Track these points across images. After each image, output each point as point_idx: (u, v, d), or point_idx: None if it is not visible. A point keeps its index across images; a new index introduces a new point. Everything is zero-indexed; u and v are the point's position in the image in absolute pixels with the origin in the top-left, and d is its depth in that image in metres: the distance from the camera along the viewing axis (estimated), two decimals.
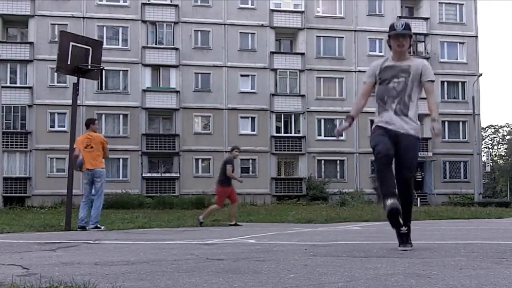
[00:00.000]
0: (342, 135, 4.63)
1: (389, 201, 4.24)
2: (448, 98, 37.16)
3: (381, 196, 4.38)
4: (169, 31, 34.52)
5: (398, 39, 4.52)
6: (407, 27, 4.56)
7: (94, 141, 9.52)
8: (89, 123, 9.82)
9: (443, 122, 36.91)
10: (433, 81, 4.59)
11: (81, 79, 9.49)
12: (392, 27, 4.57)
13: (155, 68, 34.13)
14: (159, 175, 33.71)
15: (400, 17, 36.90)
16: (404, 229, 4.46)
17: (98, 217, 9.15)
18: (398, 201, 4.27)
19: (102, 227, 9.16)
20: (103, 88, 33.37)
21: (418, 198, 31.18)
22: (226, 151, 33.71)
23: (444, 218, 12.88)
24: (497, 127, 72.75)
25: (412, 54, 36.22)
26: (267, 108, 34.75)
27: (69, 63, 9.13)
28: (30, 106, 32.64)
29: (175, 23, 34.42)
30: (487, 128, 71.38)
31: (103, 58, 9.84)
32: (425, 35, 37.04)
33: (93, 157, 9.58)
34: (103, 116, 33.33)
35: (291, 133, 35.12)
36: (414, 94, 4.56)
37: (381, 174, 4.37)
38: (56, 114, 32.72)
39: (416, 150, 4.59)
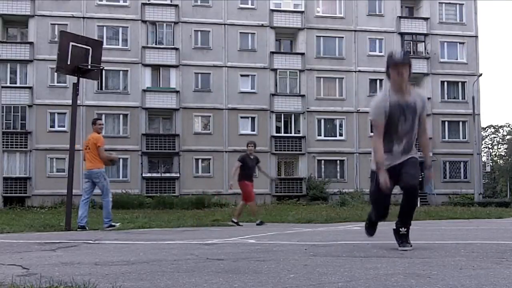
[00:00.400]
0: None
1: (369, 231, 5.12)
2: (448, 98, 37.16)
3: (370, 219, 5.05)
4: (169, 31, 34.52)
5: (397, 69, 4.43)
6: (406, 56, 4.52)
7: (90, 142, 9.59)
8: (92, 124, 9.92)
9: (443, 122, 36.94)
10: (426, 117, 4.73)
11: (81, 79, 9.48)
12: (390, 57, 4.48)
13: (155, 68, 34.12)
14: (159, 175, 33.71)
15: (400, 17, 36.97)
16: (403, 230, 4.51)
17: (109, 215, 9.37)
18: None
19: (117, 224, 9.39)
20: (103, 88, 33.37)
21: (418, 198, 31.15)
22: (226, 151, 33.77)
23: (444, 218, 12.88)
24: (497, 127, 72.77)
25: (413, 54, 35.92)
26: (267, 108, 34.75)
27: (69, 63, 9.13)
28: (30, 106, 32.64)
29: (175, 23, 34.41)
30: (487, 128, 71.39)
31: (103, 58, 9.84)
32: (425, 35, 37.05)
33: (90, 158, 9.65)
34: (103, 116, 33.23)
35: (291, 133, 35.11)
36: (416, 130, 4.65)
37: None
38: (56, 114, 32.71)
39: (418, 167, 4.63)
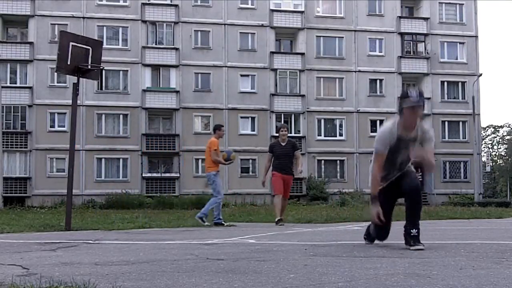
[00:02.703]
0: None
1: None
2: (448, 98, 37.17)
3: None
4: (169, 31, 34.52)
5: (413, 110, 4.40)
6: (422, 98, 4.45)
7: (206, 146, 10.57)
8: (215, 129, 10.79)
9: (443, 122, 36.94)
10: (433, 145, 4.72)
11: (81, 79, 9.48)
12: (406, 97, 4.41)
13: (155, 68, 34.12)
14: (159, 175, 33.71)
15: (400, 17, 36.94)
16: (414, 231, 4.49)
17: (205, 211, 10.24)
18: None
19: (205, 223, 10.00)
20: (103, 88, 33.37)
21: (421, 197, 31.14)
22: (226, 151, 33.72)
23: (444, 218, 12.87)
24: (496, 127, 72.75)
25: (413, 54, 35.83)
26: (267, 108, 34.75)
27: (69, 63, 9.12)
28: (30, 106, 32.63)
29: (175, 23, 34.42)
30: (487, 128, 71.38)
31: (103, 58, 9.83)
32: (425, 35, 37.04)
33: (206, 161, 10.59)
34: (103, 116, 33.35)
35: (291, 133, 35.09)
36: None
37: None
38: (56, 114, 32.71)
39: (415, 172, 4.78)
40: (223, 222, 10.27)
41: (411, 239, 4.48)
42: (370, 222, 4.97)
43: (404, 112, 4.43)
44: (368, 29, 36.37)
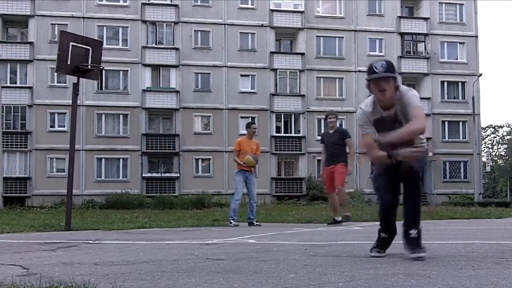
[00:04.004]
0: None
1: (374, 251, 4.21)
2: (448, 98, 37.17)
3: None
4: (169, 31, 34.53)
5: (378, 83, 3.81)
6: (389, 68, 3.83)
7: None
8: (246, 127, 10.98)
9: (443, 122, 36.95)
10: (413, 108, 3.86)
11: (81, 79, 9.47)
12: (371, 70, 3.86)
13: (155, 68, 34.13)
14: (159, 175, 33.72)
15: (400, 17, 36.95)
16: (414, 232, 3.89)
17: (230, 212, 10.34)
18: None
19: (232, 223, 10.06)
20: (103, 88, 33.38)
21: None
22: (226, 151, 33.75)
23: (444, 218, 12.86)
24: (496, 127, 72.73)
25: (413, 54, 35.68)
26: (267, 108, 34.75)
27: (69, 63, 9.12)
28: (30, 106, 32.64)
29: (175, 23, 34.42)
30: (487, 128, 71.36)
31: (103, 58, 9.83)
32: (425, 35, 37.05)
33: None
34: (103, 116, 33.35)
35: (291, 133, 35.11)
36: None
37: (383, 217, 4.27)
38: (56, 114, 32.72)
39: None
40: (231, 221, 10.17)
41: (410, 243, 3.89)
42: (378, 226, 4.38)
43: (371, 88, 3.88)
44: (368, 29, 36.38)
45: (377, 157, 3.94)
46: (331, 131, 9.71)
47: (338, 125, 10.25)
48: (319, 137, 35.56)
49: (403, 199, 4.01)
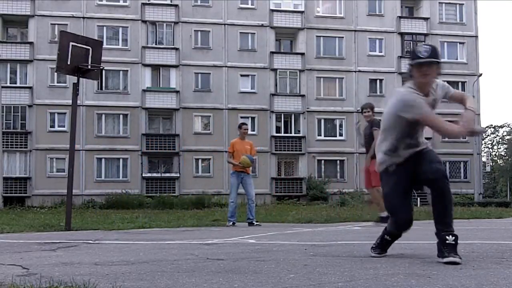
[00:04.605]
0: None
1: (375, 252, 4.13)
2: None
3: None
4: (169, 31, 34.53)
5: (421, 68, 3.72)
6: (434, 53, 3.73)
7: None
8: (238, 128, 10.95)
9: None
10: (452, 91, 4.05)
11: (81, 79, 9.48)
12: (414, 54, 3.77)
13: (155, 68, 34.13)
14: (159, 175, 33.72)
15: (400, 17, 36.95)
16: (451, 238, 3.62)
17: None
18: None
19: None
20: (103, 88, 33.39)
21: (418, 198, 31.19)
22: (226, 151, 33.74)
23: None
24: (496, 127, 72.75)
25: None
26: (267, 108, 34.75)
27: (69, 63, 9.12)
28: (30, 106, 32.65)
29: (175, 23, 34.42)
30: (487, 128, 71.34)
31: (103, 58, 9.83)
32: (425, 35, 37.05)
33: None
34: (103, 116, 33.36)
35: (291, 133, 35.12)
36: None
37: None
38: (56, 114, 32.73)
39: (435, 153, 3.97)
40: (230, 221, 10.25)
41: (446, 248, 3.60)
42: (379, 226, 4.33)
43: (414, 73, 3.77)
44: (368, 29, 36.38)
45: (457, 131, 3.79)
46: (366, 123, 9.41)
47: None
48: (319, 137, 35.79)
49: (432, 204, 3.77)
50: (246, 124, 11.09)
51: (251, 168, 10.78)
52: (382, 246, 4.14)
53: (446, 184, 3.72)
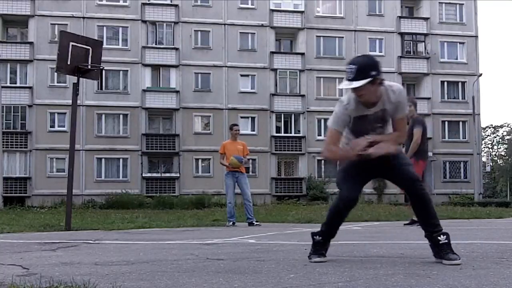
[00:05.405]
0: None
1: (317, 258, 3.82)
2: (448, 98, 37.18)
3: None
4: (169, 31, 34.53)
5: (353, 90, 3.56)
6: (361, 72, 3.48)
7: None
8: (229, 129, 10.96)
9: (443, 122, 36.94)
10: (402, 117, 3.71)
11: (81, 79, 9.47)
12: (346, 73, 3.58)
13: (155, 68, 34.14)
14: (159, 175, 33.72)
15: (400, 17, 36.93)
16: (443, 238, 3.57)
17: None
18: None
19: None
20: (103, 88, 33.39)
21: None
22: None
23: (444, 218, 12.85)
24: (496, 127, 72.75)
25: (413, 54, 35.51)
26: (267, 108, 34.76)
27: (69, 63, 9.12)
28: (30, 106, 32.65)
29: (175, 23, 34.42)
30: (487, 128, 71.37)
31: (103, 58, 9.83)
32: (425, 35, 37.06)
33: None
34: (103, 116, 33.36)
35: (291, 133, 35.12)
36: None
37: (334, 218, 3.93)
38: (56, 114, 32.73)
39: (402, 152, 3.93)
40: (230, 221, 10.28)
41: (441, 249, 3.57)
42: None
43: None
44: (368, 29, 36.38)
45: (343, 157, 3.78)
46: (409, 121, 8.58)
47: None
48: (319, 137, 35.82)
49: (413, 208, 3.75)
50: (237, 125, 11.00)
51: (247, 167, 10.79)
52: (318, 250, 3.91)
53: (420, 187, 3.65)
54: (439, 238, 3.57)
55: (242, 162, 10.38)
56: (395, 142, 3.72)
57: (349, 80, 3.50)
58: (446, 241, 3.57)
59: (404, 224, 8.92)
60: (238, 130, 10.83)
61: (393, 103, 3.61)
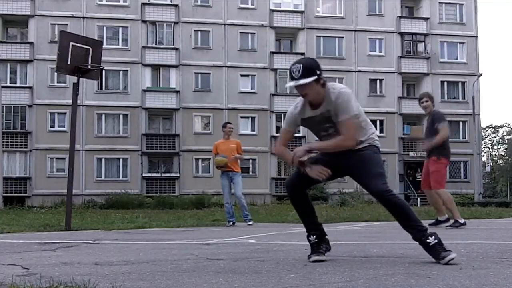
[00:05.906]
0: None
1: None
2: (448, 98, 37.18)
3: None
4: (169, 31, 34.53)
5: (298, 89, 3.62)
6: (306, 72, 3.56)
7: None
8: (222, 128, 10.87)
9: None
10: (345, 119, 3.60)
11: (81, 79, 9.47)
12: (290, 74, 3.64)
13: (155, 68, 34.14)
14: (159, 175, 33.72)
15: (400, 17, 36.93)
16: (432, 239, 3.53)
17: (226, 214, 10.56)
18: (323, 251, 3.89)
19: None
20: (103, 88, 33.39)
21: (418, 198, 31.18)
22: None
23: None
24: (496, 127, 72.75)
25: (413, 54, 35.54)
26: (267, 108, 34.76)
27: (69, 63, 9.11)
28: (30, 106, 32.65)
29: (175, 23, 34.43)
30: (487, 128, 71.37)
31: (103, 58, 9.82)
32: (425, 35, 37.07)
33: None
34: (103, 116, 33.36)
35: None
36: None
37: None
38: (56, 114, 32.73)
39: (373, 157, 3.78)
40: (230, 222, 10.29)
41: (433, 251, 3.54)
42: None
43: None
44: (368, 29, 36.38)
45: (287, 160, 3.98)
46: (427, 116, 8.42)
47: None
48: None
49: (393, 216, 3.70)
50: (231, 123, 10.93)
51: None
52: (316, 250, 3.98)
53: (391, 196, 3.63)
54: (427, 241, 3.54)
55: (227, 157, 10.35)
56: (338, 147, 3.69)
57: (295, 79, 3.59)
58: (436, 241, 3.52)
59: (429, 225, 8.41)
60: (232, 128, 10.79)
61: (333, 103, 3.62)
